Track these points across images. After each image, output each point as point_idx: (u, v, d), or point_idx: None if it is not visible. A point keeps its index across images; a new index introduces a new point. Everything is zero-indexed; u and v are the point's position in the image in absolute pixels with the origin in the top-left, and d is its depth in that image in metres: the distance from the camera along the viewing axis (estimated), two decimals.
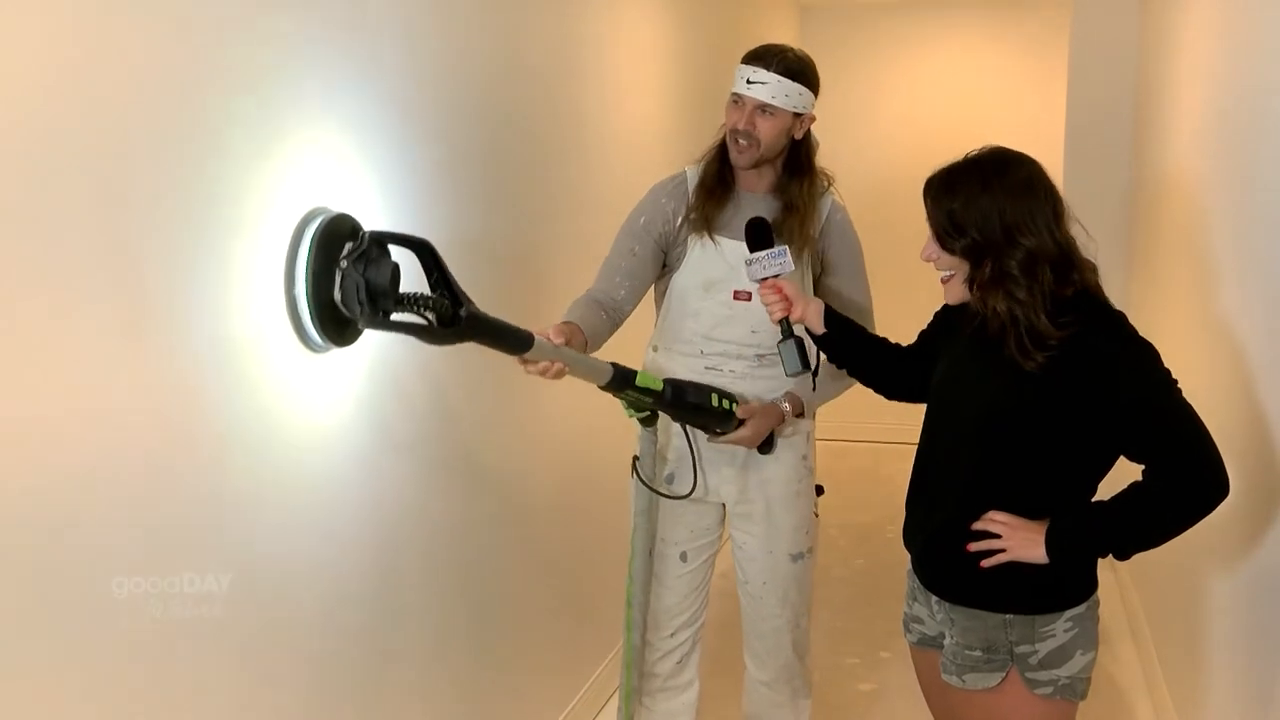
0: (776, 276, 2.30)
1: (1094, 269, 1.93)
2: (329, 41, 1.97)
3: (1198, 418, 1.83)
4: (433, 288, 1.88)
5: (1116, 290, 4.61)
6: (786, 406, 2.55)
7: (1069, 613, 1.92)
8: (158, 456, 1.58)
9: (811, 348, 2.35)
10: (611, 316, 2.52)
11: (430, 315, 1.85)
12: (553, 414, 3.08)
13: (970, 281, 1.92)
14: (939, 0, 6.34)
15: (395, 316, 1.81)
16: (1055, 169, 4.69)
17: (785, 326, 2.30)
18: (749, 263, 2.32)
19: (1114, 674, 3.68)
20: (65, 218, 1.41)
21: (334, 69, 1.99)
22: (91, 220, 1.45)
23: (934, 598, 2.06)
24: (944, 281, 1.99)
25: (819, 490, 2.74)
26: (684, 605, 2.71)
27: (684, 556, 2.68)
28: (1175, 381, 1.85)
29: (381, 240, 1.84)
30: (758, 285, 2.32)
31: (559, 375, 2.13)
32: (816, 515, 2.71)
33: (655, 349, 2.68)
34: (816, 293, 2.61)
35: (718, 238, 2.53)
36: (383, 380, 2.17)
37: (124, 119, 1.50)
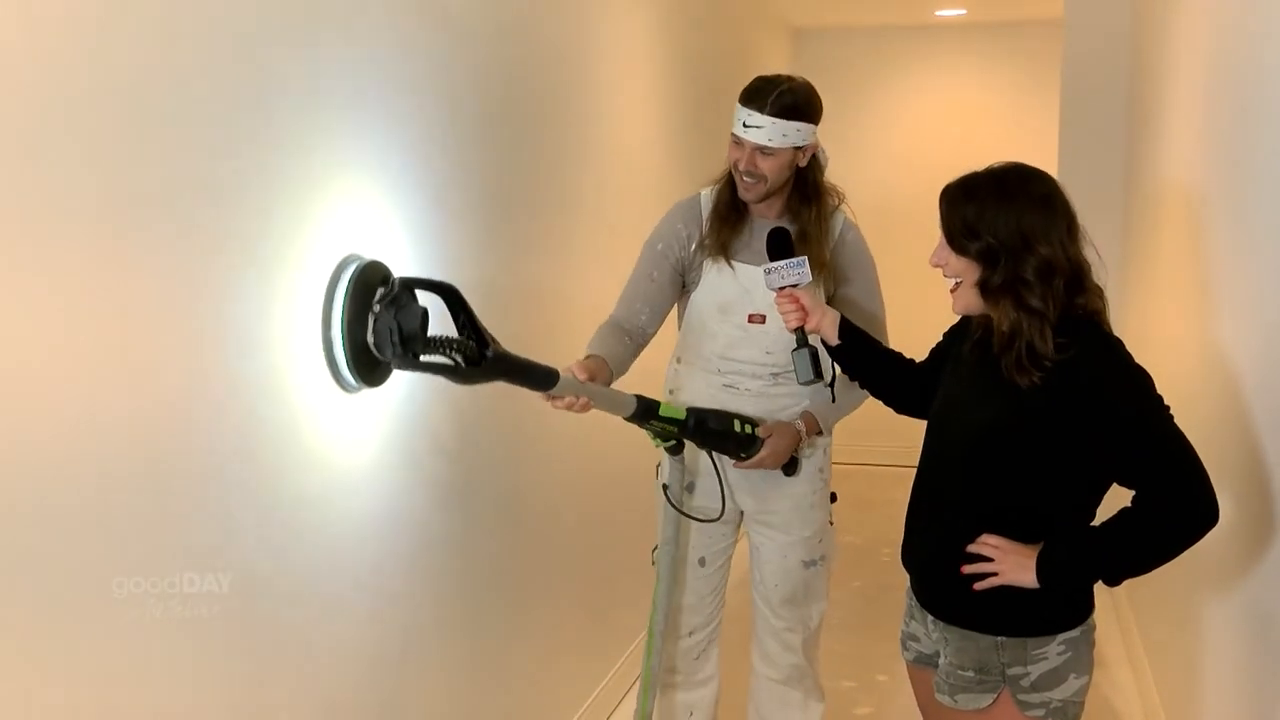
0: (794, 286, 2.32)
1: (1101, 295, 1.94)
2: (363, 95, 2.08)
3: (1189, 444, 1.82)
4: (460, 329, 1.94)
5: (1111, 309, 4.61)
6: (800, 425, 2.61)
7: (1062, 636, 1.92)
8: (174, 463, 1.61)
9: (826, 359, 2.38)
10: (635, 340, 2.59)
11: (458, 356, 1.91)
12: (572, 426, 3.13)
13: (981, 285, 1.91)
14: (931, 22, 6.37)
15: (425, 358, 1.90)
16: None
17: (800, 336, 2.33)
18: (768, 271, 2.34)
19: (1111, 698, 3.66)
20: (109, 262, 1.46)
21: (365, 125, 2.09)
22: (129, 259, 1.51)
23: (930, 616, 2.06)
24: (952, 290, 1.99)
25: (833, 497, 2.82)
26: (700, 607, 2.80)
27: (702, 561, 2.77)
28: (1168, 408, 1.85)
29: (411, 285, 1.92)
30: (775, 293, 2.35)
31: (584, 409, 2.23)
32: (832, 523, 2.80)
33: (679, 360, 2.75)
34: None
35: (734, 263, 2.58)
36: (410, 415, 2.25)
37: (173, 174, 1.56)
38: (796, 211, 2.58)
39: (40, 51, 1.32)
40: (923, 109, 6.46)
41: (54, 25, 1.35)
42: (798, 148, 2.50)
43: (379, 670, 2.18)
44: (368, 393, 1.99)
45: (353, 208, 2.02)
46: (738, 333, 2.61)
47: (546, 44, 3.07)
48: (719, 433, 2.48)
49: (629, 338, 2.57)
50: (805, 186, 2.58)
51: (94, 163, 1.42)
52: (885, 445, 4.94)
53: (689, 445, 2.61)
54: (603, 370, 2.36)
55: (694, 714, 2.88)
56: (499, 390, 2.74)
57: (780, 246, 2.37)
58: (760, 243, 2.48)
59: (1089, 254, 1.92)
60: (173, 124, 1.56)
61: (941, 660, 2.03)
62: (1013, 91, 6.31)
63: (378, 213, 2.12)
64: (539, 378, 2.09)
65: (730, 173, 2.59)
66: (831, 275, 2.61)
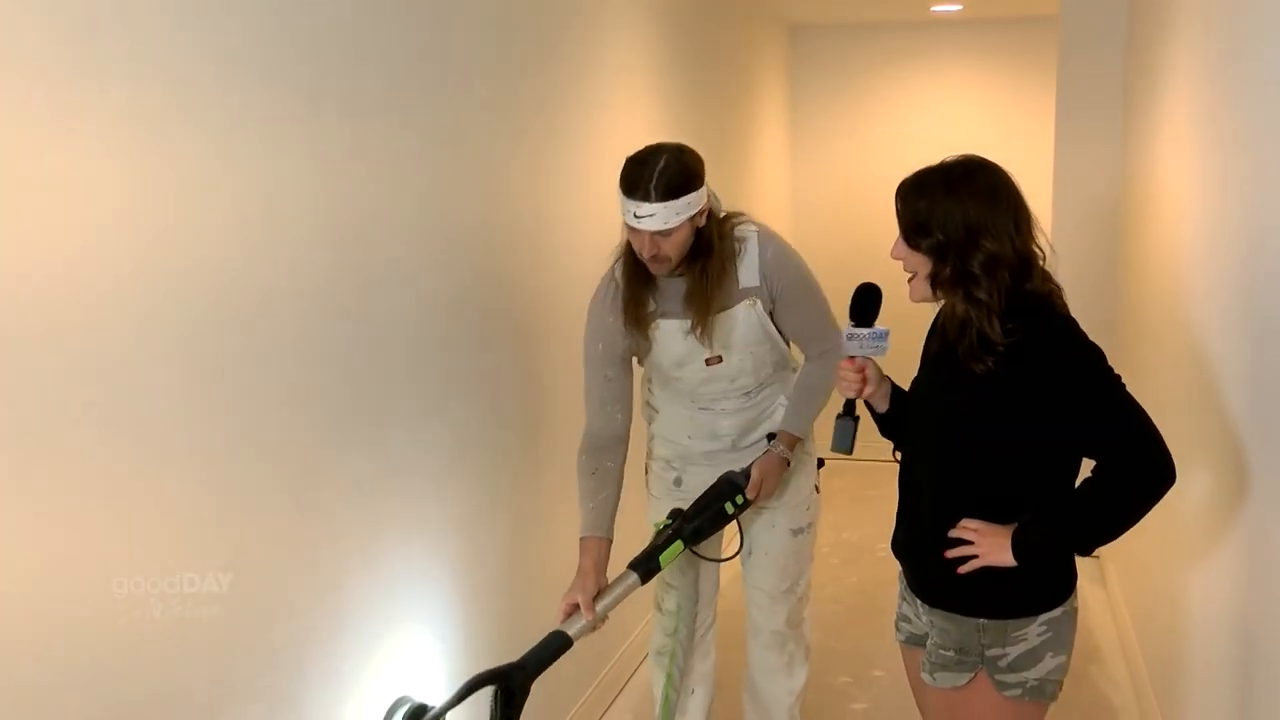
0: (867, 359, 2.16)
1: (1049, 278, 1.95)
2: None
3: (1143, 411, 1.87)
4: (493, 688, 2.13)
5: (1104, 307, 4.61)
6: (781, 448, 2.63)
7: (1043, 616, 1.96)
8: None
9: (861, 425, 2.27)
10: (618, 455, 2.59)
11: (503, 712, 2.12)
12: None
13: (932, 278, 1.95)
14: (929, 19, 6.36)
15: None
16: (1045, 184, 4.71)
17: (849, 405, 2.20)
18: (849, 336, 2.14)
19: (1107, 693, 3.66)
20: None
21: None
22: None
23: (919, 599, 2.11)
24: (909, 281, 2.01)
25: (820, 463, 2.84)
26: (700, 587, 2.89)
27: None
28: (1119, 378, 1.89)
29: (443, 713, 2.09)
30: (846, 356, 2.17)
31: (603, 623, 2.39)
32: (818, 489, 2.83)
33: (651, 381, 2.78)
34: (775, 323, 2.64)
35: (660, 323, 2.57)
36: None
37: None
38: (692, 265, 2.51)
39: None
40: (919, 105, 6.45)
41: None
42: (693, 216, 2.42)
43: (382, 658, 2.18)
44: None
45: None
46: (701, 374, 2.63)
47: (543, 38, 3.06)
48: (717, 526, 2.55)
49: (611, 459, 2.56)
50: (699, 242, 2.49)
51: None
52: (882, 441, 4.94)
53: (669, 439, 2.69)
54: (602, 555, 2.44)
55: (696, 691, 2.95)
56: (507, 388, 2.72)
57: (865, 308, 2.15)
58: (667, 295, 2.51)
59: (1041, 242, 1.94)
60: None
61: (929, 641, 2.08)
62: (1009, 87, 6.30)
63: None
64: (561, 649, 2.26)
65: (629, 247, 2.52)
66: (766, 296, 2.58)
